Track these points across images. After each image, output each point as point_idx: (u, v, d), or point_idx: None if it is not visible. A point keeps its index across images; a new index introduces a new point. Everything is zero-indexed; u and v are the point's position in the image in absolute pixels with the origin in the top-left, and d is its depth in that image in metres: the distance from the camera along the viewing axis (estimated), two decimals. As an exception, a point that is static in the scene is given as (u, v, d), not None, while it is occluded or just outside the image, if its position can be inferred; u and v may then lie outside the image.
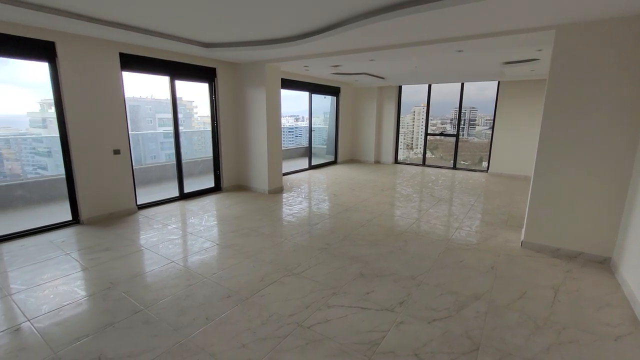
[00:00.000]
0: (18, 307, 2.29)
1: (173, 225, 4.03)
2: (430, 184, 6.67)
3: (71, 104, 3.74)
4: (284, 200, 5.31)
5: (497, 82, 7.53)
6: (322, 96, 8.62)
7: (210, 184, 5.79)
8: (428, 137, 8.95)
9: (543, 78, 6.77)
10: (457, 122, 8.46)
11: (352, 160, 9.73)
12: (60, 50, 3.58)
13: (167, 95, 5.02)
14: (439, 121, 9.40)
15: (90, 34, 3.70)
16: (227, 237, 3.67)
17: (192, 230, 3.86)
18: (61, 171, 3.98)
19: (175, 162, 5.16)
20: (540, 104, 6.91)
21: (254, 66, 5.42)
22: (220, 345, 1.90)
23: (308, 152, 8.51)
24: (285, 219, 4.38)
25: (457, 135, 8.47)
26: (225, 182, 5.86)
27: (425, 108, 8.84)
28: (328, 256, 3.18)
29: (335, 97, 8.87)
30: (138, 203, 4.63)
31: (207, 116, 5.77)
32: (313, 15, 3.04)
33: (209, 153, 5.92)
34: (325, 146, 10.38)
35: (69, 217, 3.98)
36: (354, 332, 2.03)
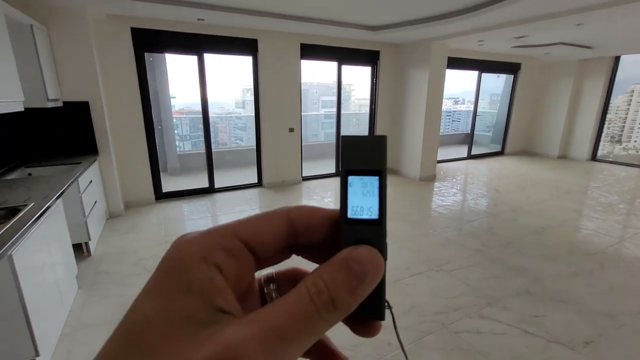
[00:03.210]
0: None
1: (328, 199, 4.47)
2: (651, 194, 4.78)
3: (264, 89, 4.61)
4: (435, 189, 4.99)
5: None
6: (495, 75, 7.39)
7: (362, 164, 6.05)
8: (658, 127, 6.35)
9: None
10: None
11: (525, 152, 8.06)
12: (260, 46, 4.41)
13: (331, 80, 5.45)
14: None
15: (282, 30, 4.38)
16: (374, 218, 3.78)
17: (344, 206, 4.17)
18: (251, 143, 5.04)
19: (335, 142, 5.63)
20: None
21: (418, 46, 5.14)
22: (363, 320, 2.01)
23: (469, 139, 7.59)
24: (436, 209, 4.11)
25: None
26: (376, 164, 5.99)
27: (660, 86, 6.23)
28: (484, 260, 2.80)
29: (512, 76, 7.43)
30: (303, 175, 5.36)
31: (363, 99, 5.96)
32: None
33: (363, 134, 6.18)
34: (491, 134, 8.99)
35: (255, 180, 5.04)
36: (513, 357, 1.73)
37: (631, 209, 4.17)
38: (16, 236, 1.44)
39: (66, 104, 3.20)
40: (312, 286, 0.19)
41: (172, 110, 5.83)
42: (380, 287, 0.21)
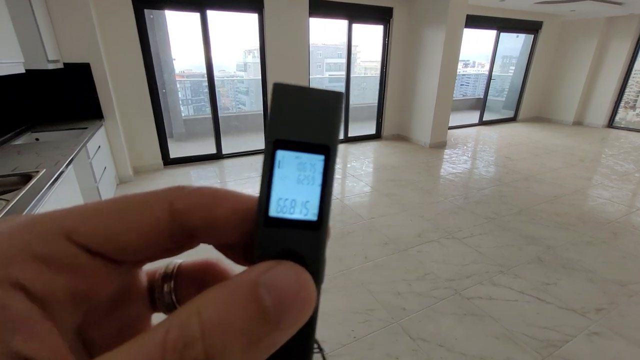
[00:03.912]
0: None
1: (337, 166, 4.41)
2: (669, 163, 4.66)
3: (270, 50, 4.37)
4: (445, 156, 4.90)
5: None
6: (514, 35, 6.95)
7: (371, 131, 5.91)
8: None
9: None
10: None
11: (539, 119, 7.81)
12: (266, 1, 4.11)
13: (336, 40, 5.15)
14: None
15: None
16: (385, 185, 3.75)
17: (354, 173, 4.13)
18: (254, 108, 4.90)
19: (344, 107, 5.44)
20: None
21: (435, 1, 4.77)
22: (377, 286, 2.05)
23: (479, 105, 7.33)
24: (446, 177, 4.06)
25: None
26: (385, 130, 5.85)
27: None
28: (496, 228, 2.79)
29: (532, 36, 6.98)
30: (310, 141, 5.25)
31: (369, 61, 5.69)
32: None
33: (368, 100, 5.95)
34: (504, 99, 8.66)
35: (262, 147, 4.95)
36: (524, 322, 1.77)
37: (647, 177, 4.08)
38: (32, 203, 1.42)
39: (67, 65, 3.07)
40: (176, 330, 0.11)
41: (174, 73, 5.62)
42: (309, 327, 0.14)
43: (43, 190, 1.54)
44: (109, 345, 0.16)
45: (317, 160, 0.15)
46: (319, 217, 0.15)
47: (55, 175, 1.72)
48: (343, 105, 0.15)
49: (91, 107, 3.29)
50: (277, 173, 0.14)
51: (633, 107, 7.86)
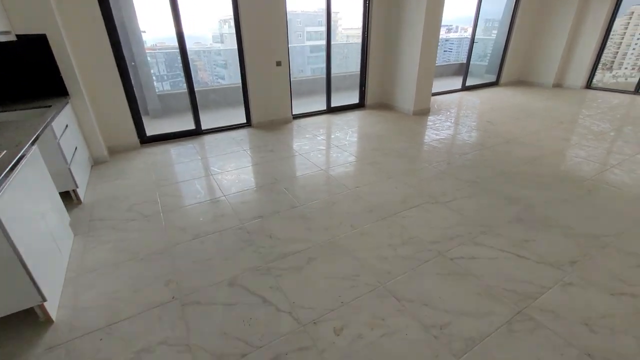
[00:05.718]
0: (217, 185, 3.05)
1: (321, 137, 4.34)
2: (642, 121, 4.81)
3: (245, 17, 4.12)
4: (429, 123, 4.88)
5: None
6: (497, -5, 6.77)
7: (354, 100, 5.79)
8: (658, 51, 6.13)
9: None
10: None
11: (520, 82, 7.83)
12: (236, -39, 3.81)
13: (316, 7, 4.90)
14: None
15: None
16: (369, 154, 3.73)
17: (338, 144, 4.08)
18: (233, 81, 4.68)
19: (325, 76, 5.29)
20: None
21: (418, -41, 4.54)
22: (363, 252, 2.07)
23: (462, 70, 7.26)
24: (430, 143, 4.06)
25: None
26: (369, 99, 5.75)
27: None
28: (479, 191, 2.85)
29: (515, -4, 6.82)
30: (293, 113, 5.13)
31: (351, 28, 5.48)
32: None
33: (350, 68, 5.78)
34: (486, 63, 8.59)
35: (243, 120, 4.81)
36: (504, 278, 1.85)
37: (621, 136, 4.20)
38: (-7, 186, 1.33)
39: (21, 38, 2.80)
40: None
41: (144, 45, 5.27)
42: None
43: (3, 174, 1.43)
44: None
45: None
46: None
47: (17, 157, 1.61)
48: None
49: (53, 83, 3.05)
50: None
51: (610, 69, 7.94)
